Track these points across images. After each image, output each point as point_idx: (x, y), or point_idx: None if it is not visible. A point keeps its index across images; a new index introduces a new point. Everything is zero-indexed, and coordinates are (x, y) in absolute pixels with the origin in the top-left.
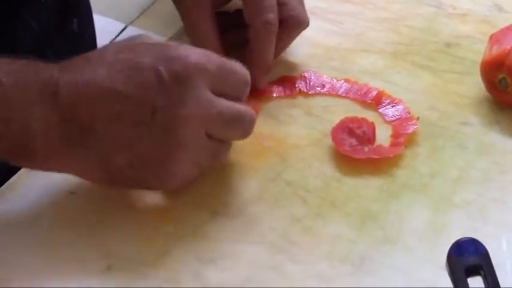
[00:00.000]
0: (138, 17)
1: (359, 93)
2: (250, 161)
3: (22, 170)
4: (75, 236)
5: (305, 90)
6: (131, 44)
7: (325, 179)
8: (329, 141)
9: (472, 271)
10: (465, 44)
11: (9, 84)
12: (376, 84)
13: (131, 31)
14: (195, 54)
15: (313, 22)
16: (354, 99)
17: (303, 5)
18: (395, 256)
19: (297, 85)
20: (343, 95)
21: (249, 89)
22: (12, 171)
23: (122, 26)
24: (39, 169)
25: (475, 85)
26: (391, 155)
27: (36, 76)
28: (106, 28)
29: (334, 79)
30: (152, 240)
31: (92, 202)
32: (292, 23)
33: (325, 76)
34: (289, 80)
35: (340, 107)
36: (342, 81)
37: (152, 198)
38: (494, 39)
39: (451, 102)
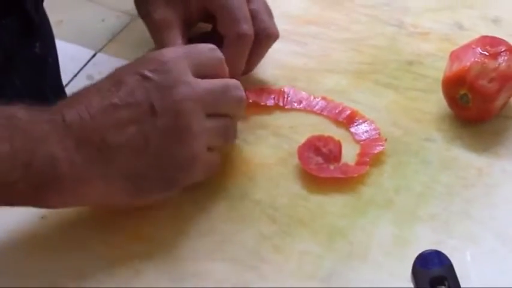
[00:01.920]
0: (107, 43)
1: (333, 112)
2: (219, 181)
3: None
4: (46, 261)
5: (281, 104)
6: (107, 76)
7: (292, 197)
8: (296, 160)
9: (437, 282)
10: (427, 62)
11: (26, 118)
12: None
13: (100, 58)
14: (168, 51)
15: (278, 44)
16: (328, 117)
17: (272, 17)
18: (362, 271)
19: (273, 98)
20: (318, 112)
21: (223, 64)
22: None
23: (92, 53)
24: (66, 202)
25: (437, 102)
26: (355, 175)
27: (42, 112)
28: (75, 55)
29: (312, 96)
30: (123, 261)
31: (63, 226)
32: (263, 36)
33: (304, 93)
34: (267, 92)
35: (308, 127)
36: (319, 98)
37: (121, 219)
38: (454, 56)
39: (414, 119)
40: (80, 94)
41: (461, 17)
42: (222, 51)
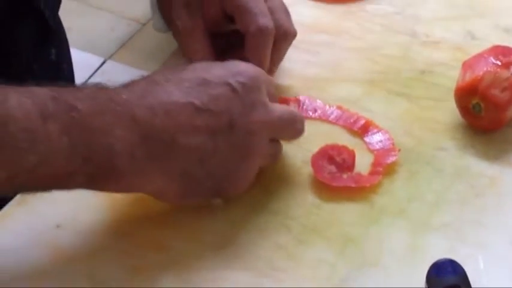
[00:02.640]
0: (116, 51)
1: (348, 121)
2: None
3: (8, 205)
4: (63, 269)
5: None
6: (181, 68)
7: (306, 206)
8: (309, 169)
9: None
10: (439, 71)
11: (85, 110)
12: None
13: (110, 65)
14: (249, 67)
15: (290, 53)
16: (342, 126)
17: (289, 16)
18: (376, 279)
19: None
20: (333, 121)
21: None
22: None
23: (101, 60)
24: (121, 190)
25: (449, 111)
26: (368, 185)
27: (110, 101)
28: (85, 62)
29: (327, 105)
30: (140, 269)
31: (79, 235)
32: (280, 34)
33: (319, 101)
34: (282, 100)
35: (322, 136)
36: (334, 107)
37: (138, 228)
38: (467, 65)
39: (427, 128)
40: (157, 83)
41: (472, 26)
42: (244, 48)
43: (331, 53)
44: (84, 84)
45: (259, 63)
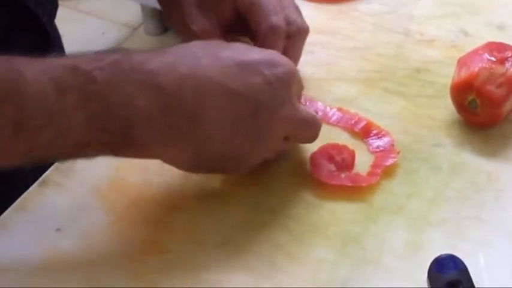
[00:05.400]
0: None
1: (349, 122)
2: (233, 191)
3: (8, 210)
4: (62, 273)
5: None
6: (221, 44)
7: (305, 205)
8: (308, 168)
9: (453, 286)
10: (434, 69)
11: (104, 81)
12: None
13: None
14: (287, 62)
15: None
16: (343, 128)
17: (300, 13)
18: (377, 276)
19: None
20: (334, 123)
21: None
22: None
23: None
24: (138, 157)
25: (445, 108)
26: (364, 185)
27: (132, 71)
28: None
29: (328, 107)
30: (140, 273)
31: (79, 238)
32: (294, 31)
33: (320, 103)
34: None
35: (322, 136)
36: (335, 109)
37: (138, 231)
38: (462, 62)
39: (424, 126)
40: (187, 55)
41: (466, 23)
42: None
43: (326, 52)
44: (108, 51)
45: None
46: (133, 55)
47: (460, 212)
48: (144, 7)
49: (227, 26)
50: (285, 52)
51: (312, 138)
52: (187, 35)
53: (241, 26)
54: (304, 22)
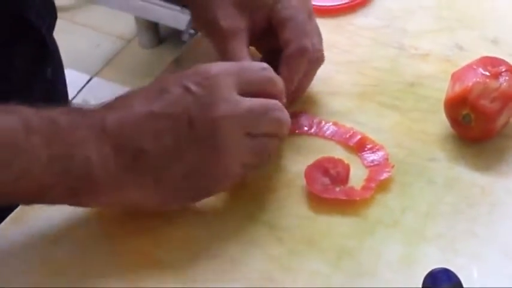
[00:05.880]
0: (102, 68)
1: (344, 136)
2: (227, 203)
3: (4, 222)
4: (58, 285)
5: (292, 128)
6: (156, 80)
7: (299, 218)
8: (302, 182)
9: None
10: (428, 83)
11: (65, 123)
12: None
13: (96, 82)
14: (215, 66)
15: None
16: (338, 142)
17: (321, 41)
18: None
19: None
20: (329, 137)
21: (273, 84)
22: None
23: (87, 77)
24: (101, 204)
25: (439, 122)
26: (358, 198)
27: (83, 116)
28: (72, 80)
29: (323, 121)
30: (135, 284)
31: (74, 250)
32: (314, 58)
33: (316, 118)
34: None
35: (316, 150)
36: (330, 123)
37: (134, 242)
38: (456, 77)
39: (418, 140)
40: (126, 97)
41: (460, 37)
42: (279, 65)
43: (322, 66)
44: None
45: (289, 82)
46: (97, 108)
47: (454, 226)
48: (138, 19)
49: (256, 33)
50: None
51: (277, 121)
52: (214, 35)
53: (268, 36)
54: (322, 51)
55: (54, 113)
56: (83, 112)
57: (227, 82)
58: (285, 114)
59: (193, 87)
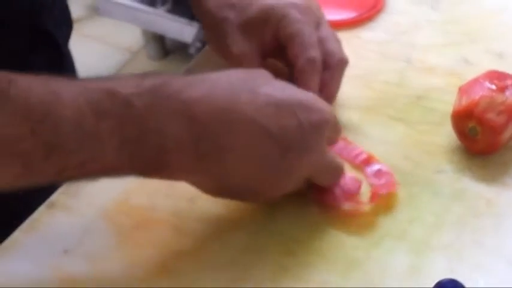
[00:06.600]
0: None
1: (351, 154)
2: (238, 214)
3: (16, 231)
4: None
5: None
6: (260, 77)
7: (309, 229)
8: (313, 193)
9: None
10: (435, 96)
11: (141, 107)
12: (352, 138)
13: None
14: (326, 108)
15: None
16: (345, 159)
17: (340, 44)
18: None
19: None
20: (337, 152)
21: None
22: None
23: None
24: (164, 179)
25: (446, 135)
26: (367, 210)
27: (168, 99)
28: None
29: None
30: None
31: (87, 260)
32: (334, 62)
33: None
34: None
35: None
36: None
37: (146, 252)
38: (463, 90)
39: (425, 152)
40: (228, 83)
41: (466, 51)
42: (293, 79)
43: None
44: (146, 76)
45: None
46: (171, 82)
47: (460, 237)
48: (145, 32)
49: (267, 52)
50: (324, 83)
51: (332, 182)
52: (227, 58)
53: (281, 53)
54: (343, 53)
55: (129, 93)
56: (165, 94)
57: (327, 130)
58: (340, 176)
59: (306, 126)
